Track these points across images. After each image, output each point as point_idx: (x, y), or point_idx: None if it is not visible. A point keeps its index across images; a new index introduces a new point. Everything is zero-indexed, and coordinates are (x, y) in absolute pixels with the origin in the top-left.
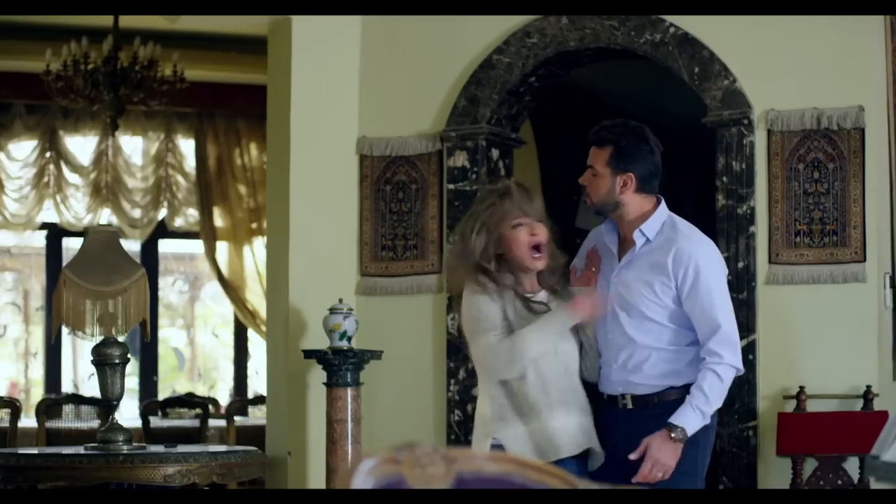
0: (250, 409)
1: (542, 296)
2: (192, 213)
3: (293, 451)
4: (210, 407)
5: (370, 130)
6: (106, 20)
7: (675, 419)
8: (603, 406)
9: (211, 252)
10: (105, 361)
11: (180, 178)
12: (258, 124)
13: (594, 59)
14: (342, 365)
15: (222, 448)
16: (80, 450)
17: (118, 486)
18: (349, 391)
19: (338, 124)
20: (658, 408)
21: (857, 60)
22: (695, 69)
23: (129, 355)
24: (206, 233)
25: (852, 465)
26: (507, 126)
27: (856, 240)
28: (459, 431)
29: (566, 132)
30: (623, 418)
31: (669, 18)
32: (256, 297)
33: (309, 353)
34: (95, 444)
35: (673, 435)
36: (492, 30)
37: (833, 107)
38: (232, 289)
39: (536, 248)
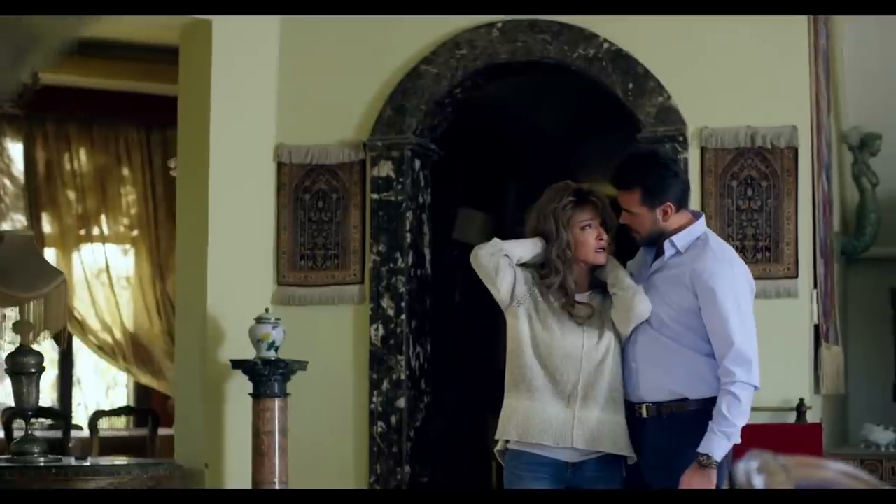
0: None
1: (585, 296)
2: (20, 219)
3: (209, 462)
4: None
5: (289, 138)
6: None
7: (701, 447)
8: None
9: None
10: (21, 370)
11: (8, 183)
12: (87, 129)
13: (522, 72)
14: (271, 375)
15: (151, 461)
16: None
17: None
18: (276, 402)
19: (255, 131)
20: (673, 419)
21: (792, 80)
22: (629, 85)
23: (44, 364)
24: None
25: None
26: (429, 137)
27: (788, 256)
28: (382, 443)
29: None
30: (641, 428)
31: (603, 33)
32: (84, 305)
33: (236, 364)
34: (9, 457)
35: (701, 461)
36: (419, 39)
37: (767, 125)
38: None
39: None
